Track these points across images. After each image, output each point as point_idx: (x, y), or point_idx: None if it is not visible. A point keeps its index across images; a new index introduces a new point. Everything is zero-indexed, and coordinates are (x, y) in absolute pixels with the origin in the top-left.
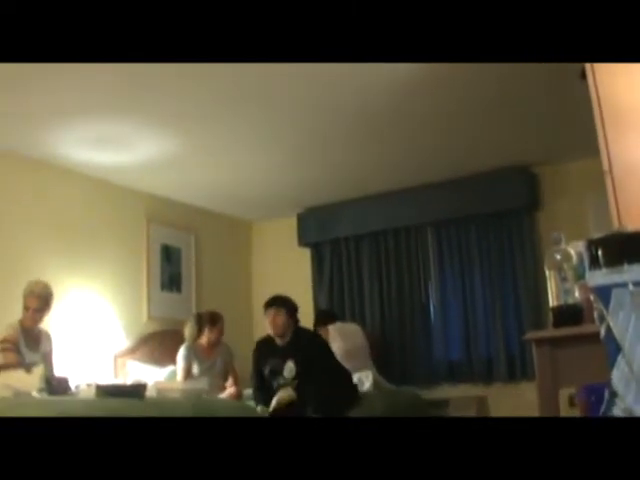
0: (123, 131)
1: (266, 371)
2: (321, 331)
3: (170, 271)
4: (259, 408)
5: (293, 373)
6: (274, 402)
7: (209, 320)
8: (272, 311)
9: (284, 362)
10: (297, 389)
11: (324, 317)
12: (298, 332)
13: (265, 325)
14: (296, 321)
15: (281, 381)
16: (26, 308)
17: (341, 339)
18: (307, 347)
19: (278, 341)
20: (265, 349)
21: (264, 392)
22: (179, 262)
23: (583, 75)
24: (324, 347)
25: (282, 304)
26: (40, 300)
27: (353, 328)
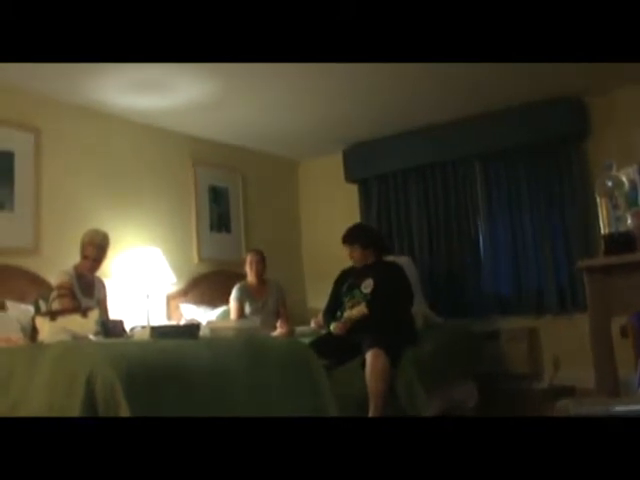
0: (163, 74)
1: (344, 288)
2: None
3: (218, 212)
4: (332, 326)
5: (369, 289)
6: (345, 315)
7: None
8: (347, 247)
9: (363, 279)
10: (370, 305)
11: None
12: (379, 259)
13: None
14: (376, 249)
15: (357, 294)
16: (85, 257)
17: None
18: (387, 270)
19: (359, 266)
20: (346, 274)
21: (335, 312)
22: (227, 203)
23: None
24: (403, 276)
25: (354, 239)
26: (100, 250)
27: (405, 262)
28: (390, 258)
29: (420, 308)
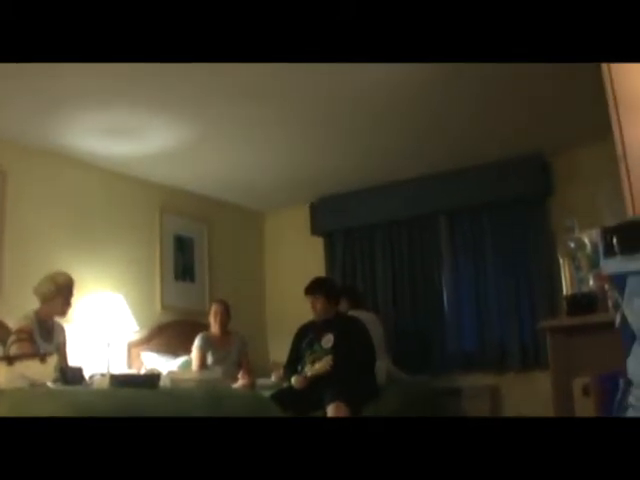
0: (134, 121)
1: (303, 343)
2: None
3: (183, 261)
4: (293, 379)
5: (330, 344)
6: (308, 369)
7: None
8: (310, 298)
9: (323, 334)
10: (333, 359)
11: (346, 295)
12: (339, 314)
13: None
14: (337, 303)
15: (318, 349)
16: (66, 302)
17: None
18: (348, 325)
19: (319, 320)
20: (306, 328)
21: (296, 366)
22: (192, 252)
23: None
24: (364, 331)
25: (319, 290)
26: (70, 292)
27: (371, 318)
28: (356, 313)
29: (383, 363)
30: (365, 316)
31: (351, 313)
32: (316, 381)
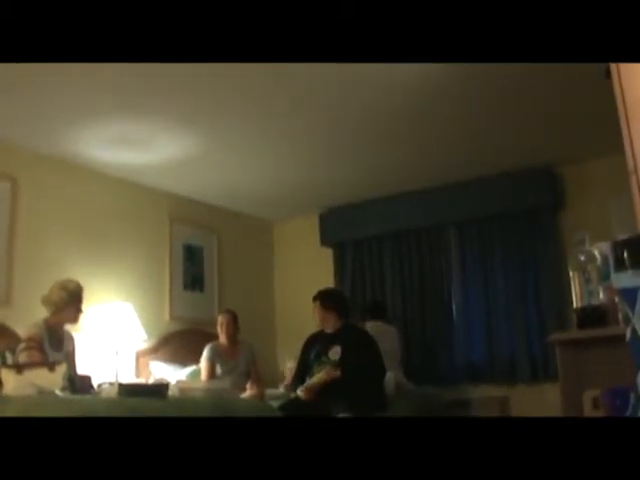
0: (144, 131)
1: (312, 355)
2: (360, 324)
3: (192, 271)
4: (299, 391)
5: (337, 356)
6: (312, 379)
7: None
8: (317, 306)
9: (331, 346)
10: (341, 370)
11: (375, 311)
12: (348, 325)
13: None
14: (346, 315)
15: (325, 361)
16: (78, 309)
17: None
18: (356, 338)
19: (328, 331)
20: (314, 339)
21: (304, 377)
22: (201, 262)
23: (607, 73)
24: (372, 343)
25: (326, 299)
26: (81, 299)
27: (390, 330)
28: (374, 323)
29: (394, 374)
30: (383, 327)
31: (370, 324)
32: (324, 393)
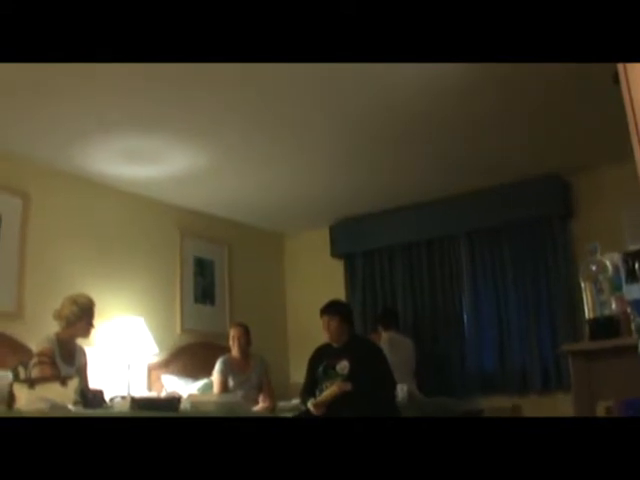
0: (155, 145)
1: (320, 369)
2: (373, 334)
3: (203, 284)
4: (309, 405)
5: (346, 371)
6: (324, 392)
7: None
8: (326, 318)
9: (338, 360)
10: (347, 384)
11: (386, 319)
12: (355, 337)
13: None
14: (351, 326)
15: (333, 375)
16: (89, 323)
17: (389, 349)
18: (363, 350)
19: (334, 344)
20: (321, 352)
21: (312, 391)
22: (212, 275)
23: (616, 79)
24: (380, 355)
25: (335, 311)
26: (92, 313)
27: (405, 342)
28: (392, 334)
29: (406, 385)
30: (400, 338)
31: (387, 335)
32: (334, 407)
